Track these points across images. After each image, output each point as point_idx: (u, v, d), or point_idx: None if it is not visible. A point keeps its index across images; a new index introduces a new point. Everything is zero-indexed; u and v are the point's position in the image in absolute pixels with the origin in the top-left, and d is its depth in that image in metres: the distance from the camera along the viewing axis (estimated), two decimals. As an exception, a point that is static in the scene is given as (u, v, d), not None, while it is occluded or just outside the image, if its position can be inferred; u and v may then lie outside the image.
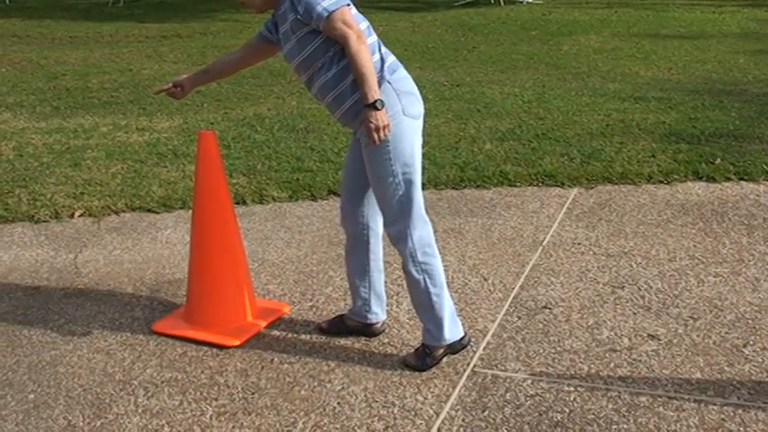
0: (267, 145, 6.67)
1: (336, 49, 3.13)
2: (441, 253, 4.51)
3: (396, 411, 3.11)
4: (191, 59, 10.99)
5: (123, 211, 5.35)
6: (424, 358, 3.37)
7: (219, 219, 3.68)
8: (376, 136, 3.04)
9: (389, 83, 3.15)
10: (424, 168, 5.95)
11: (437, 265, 3.33)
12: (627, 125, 7.05)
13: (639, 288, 4.08)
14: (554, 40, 11.94)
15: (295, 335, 3.70)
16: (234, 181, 5.75)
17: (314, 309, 3.94)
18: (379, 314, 3.62)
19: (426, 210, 3.44)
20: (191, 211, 5.13)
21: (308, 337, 3.68)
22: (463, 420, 3.03)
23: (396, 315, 3.85)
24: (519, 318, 3.80)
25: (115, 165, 6.25)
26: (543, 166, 5.93)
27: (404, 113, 3.18)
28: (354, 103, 3.16)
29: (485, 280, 4.21)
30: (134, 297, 4.13)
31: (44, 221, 5.23)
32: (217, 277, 3.70)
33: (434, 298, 3.31)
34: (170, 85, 3.58)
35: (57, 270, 4.48)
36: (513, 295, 4.03)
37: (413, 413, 3.09)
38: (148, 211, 5.37)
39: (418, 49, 11.39)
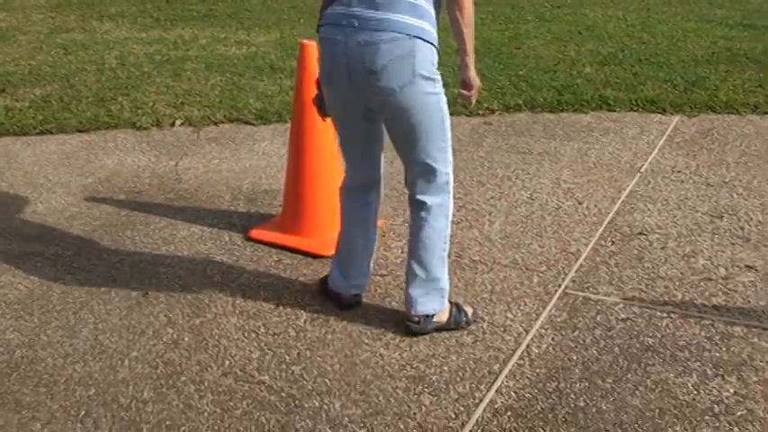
0: (363, 62, 6.65)
1: None
2: (536, 175, 4.50)
3: (485, 326, 3.14)
4: (288, -26, 10.96)
5: (222, 122, 5.45)
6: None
7: (318, 127, 3.72)
8: None
9: None
10: (521, 91, 5.87)
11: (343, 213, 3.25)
12: (733, 53, 6.79)
13: (739, 219, 3.98)
14: (660, -37, 11.49)
15: (387, 248, 3.75)
16: (329, 96, 5.77)
17: (406, 224, 3.95)
18: None
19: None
20: (287, 125, 5.19)
21: (400, 251, 3.72)
22: (552, 339, 3.05)
23: (488, 234, 3.86)
24: (613, 242, 3.77)
25: (214, 76, 6.34)
26: (645, 91, 5.78)
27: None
28: None
29: (579, 204, 4.17)
30: (232, 205, 4.23)
31: (145, 129, 5.36)
32: (313, 188, 3.75)
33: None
34: None
35: (158, 176, 4.61)
36: (607, 220, 3.99)
37: (502, 329, 3.12)
38: (246, 122, 5.45)
39: (518, -31, 11.11)
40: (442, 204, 2.99)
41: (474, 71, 2.92)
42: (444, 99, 2.86)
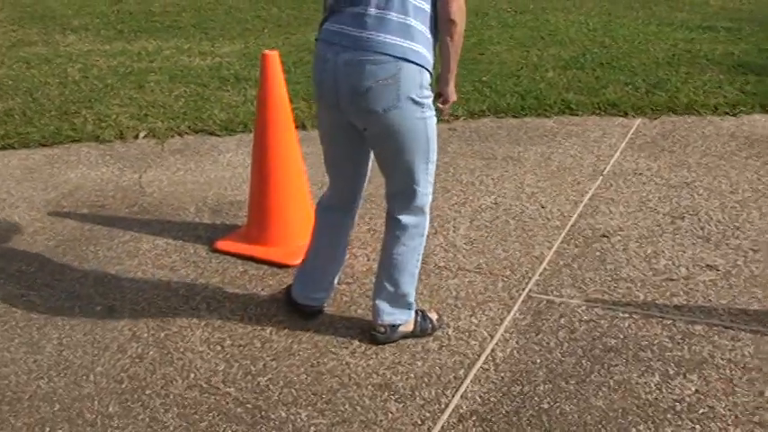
0: (327, 70, 6.66)
1: None
2: (500, 180, 4.53)
3: (450, 332, 3.16)
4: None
5: (186, 134, 5.44)
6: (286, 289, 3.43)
7: (282, 137, 3.72)
8: None
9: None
10: (485, 96, 5.91)
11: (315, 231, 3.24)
12: (694, 55, 6.88)
13: (700, 219, 4.04)
14: (622, -33, 11.63)
15: (353, 256, 3.76)
16: (294, 106, 5.77)
17: (371, 231, 3.99)
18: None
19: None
20: (252, 135, 5.19)
21: (366, 258, 3.73)
22: (517, 343, 3.07)
23: (452, 239, 3.88)
24: (576, 246, 3.80)
25: (178, 88, 6.32)
26: (606, 94, 5.85)
27: None
28: None
29: (542, 208, 4.21)
30: (196, 217, 4.22)
31: (109, 142, 5.34)
32: (278, 198, 3.76)
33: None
34: None
35: (122, 189, 4.59)
36: (570, 223, 4.03)
37: (467, 334, 3.14)
38: (210, 134, 5.44)
39: (481, -25, 11.19)
40: (418, 225, 2.99)
41: (453, 87, 2.89)
42: (433, 122, 2.81)
